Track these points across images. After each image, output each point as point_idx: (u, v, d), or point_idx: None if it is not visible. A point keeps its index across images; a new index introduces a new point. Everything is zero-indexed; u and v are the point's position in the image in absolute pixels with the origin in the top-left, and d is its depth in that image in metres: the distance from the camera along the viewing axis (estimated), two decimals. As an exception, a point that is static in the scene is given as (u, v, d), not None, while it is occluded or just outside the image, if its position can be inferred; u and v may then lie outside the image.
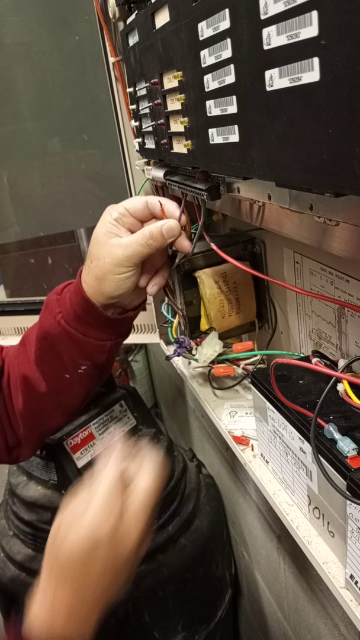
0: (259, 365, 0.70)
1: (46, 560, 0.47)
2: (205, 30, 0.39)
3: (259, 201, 0.48)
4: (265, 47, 0.30)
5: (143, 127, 0.64)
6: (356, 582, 0.43)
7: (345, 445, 0.42)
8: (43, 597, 0.46)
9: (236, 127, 0.37)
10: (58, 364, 0.60)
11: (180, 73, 0.46)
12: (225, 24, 0.35)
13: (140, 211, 0.56)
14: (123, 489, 0.48)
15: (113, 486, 0.47)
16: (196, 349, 0.70)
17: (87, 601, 0.46)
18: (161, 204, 0.55)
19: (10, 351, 0.68)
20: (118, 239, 0.55)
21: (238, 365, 0.70)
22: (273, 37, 0.29)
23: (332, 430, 0.43)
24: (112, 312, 0.58)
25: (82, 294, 0.57)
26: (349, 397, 0.45)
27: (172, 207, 0.55)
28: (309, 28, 0.26)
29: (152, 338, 1.05)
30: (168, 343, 0.98)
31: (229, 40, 0.35)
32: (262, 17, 0.30)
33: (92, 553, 0.45)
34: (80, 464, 0.97)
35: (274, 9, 0.29)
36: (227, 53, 0.36)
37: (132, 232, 0.56)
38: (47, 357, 0.61)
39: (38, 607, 0.45)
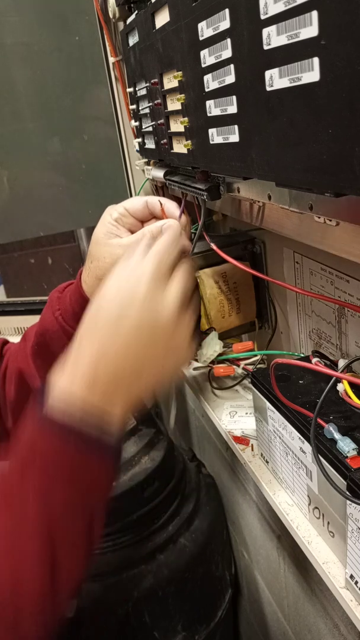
0: (259, 365, 0.70)
1: (83, 324, 0.43)
2: (205, 30, 0.39)
3: (259, 201, 0.48)
4: (265, 47, 0.30)
5: (143, 127, 0.64)
6: (356, 582, 0.43)
7: (345, 445, 0.42)
8: (68, 367, 0.43)
9: (236, 127, 0.37)
10: (53, 361, 0.60)
11: (180, 73, 0.46)
12: (225, 24, 0.35)
13: (140, 211, 0.56)
14: (174, 265, 0.44)
15: (167, 256, 0.43)
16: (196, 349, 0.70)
17: (113, 367, 0.41)
18: (161, 204, 0.55)
19: (13, 346, 0.68)
20: (118, 239, 0.55)
21: (238, 365, 0.70)
22: (273, 37, 0.29)
23: (332, 430, 0.43)
24: None
25: (82, 293, 0.57)
26: (349, 397, 0.45)
27: (172, 207, 0.55)
28: (309, 28, 0.26)
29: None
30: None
31: (229, 40, 0.35)
32: (262, 17, 0.30)
33: (126, 309, 0.41)
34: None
35: (274, 9, 0.29)
36: (227, 53, 0.36)
37: (132, 232, 0.56)
38: (43, 353, 0.61)
39: (61, 379, 0.42)
